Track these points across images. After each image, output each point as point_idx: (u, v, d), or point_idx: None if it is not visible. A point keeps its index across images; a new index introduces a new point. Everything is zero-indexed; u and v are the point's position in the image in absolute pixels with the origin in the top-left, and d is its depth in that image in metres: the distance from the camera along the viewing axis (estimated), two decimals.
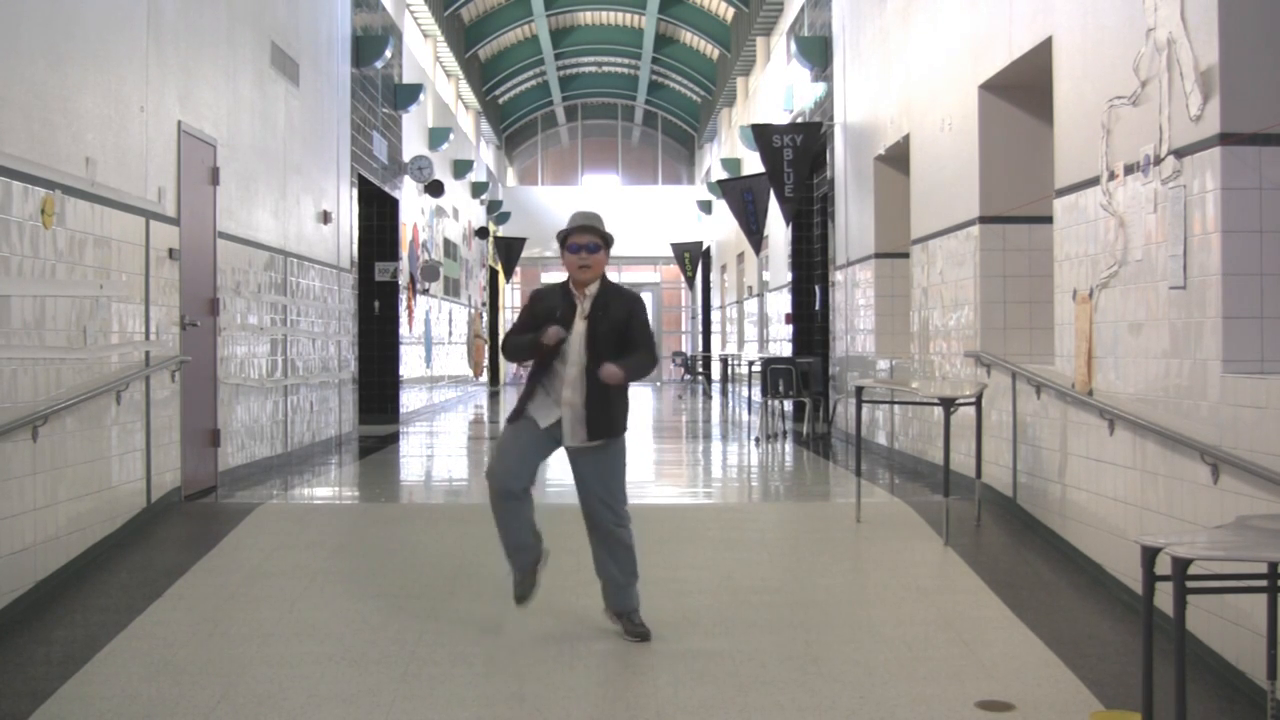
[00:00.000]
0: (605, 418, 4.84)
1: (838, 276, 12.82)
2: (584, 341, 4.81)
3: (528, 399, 4.94)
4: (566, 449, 4.93)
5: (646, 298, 30.44)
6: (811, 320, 14.63)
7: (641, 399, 22.86)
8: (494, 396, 23.35)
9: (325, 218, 11.65)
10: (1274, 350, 4.67)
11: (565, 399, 4.83)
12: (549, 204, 29.57)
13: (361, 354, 13.41)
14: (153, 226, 7.17)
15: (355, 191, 13.10)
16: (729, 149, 23.24)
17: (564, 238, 4.91)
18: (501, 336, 28.11)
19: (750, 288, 20.63)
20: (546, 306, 4.90)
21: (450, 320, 20.12)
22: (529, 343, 4.83)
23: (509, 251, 25.61)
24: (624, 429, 4.96)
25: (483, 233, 24.25)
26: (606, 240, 4.91)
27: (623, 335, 4.84)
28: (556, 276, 30.29)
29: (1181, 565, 3.11)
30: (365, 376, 13.89)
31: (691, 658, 4.79)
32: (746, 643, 4.98)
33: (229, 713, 4.21)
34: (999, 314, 7.82)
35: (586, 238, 4.85)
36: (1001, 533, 6.91)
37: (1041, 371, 6.72)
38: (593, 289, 4.89)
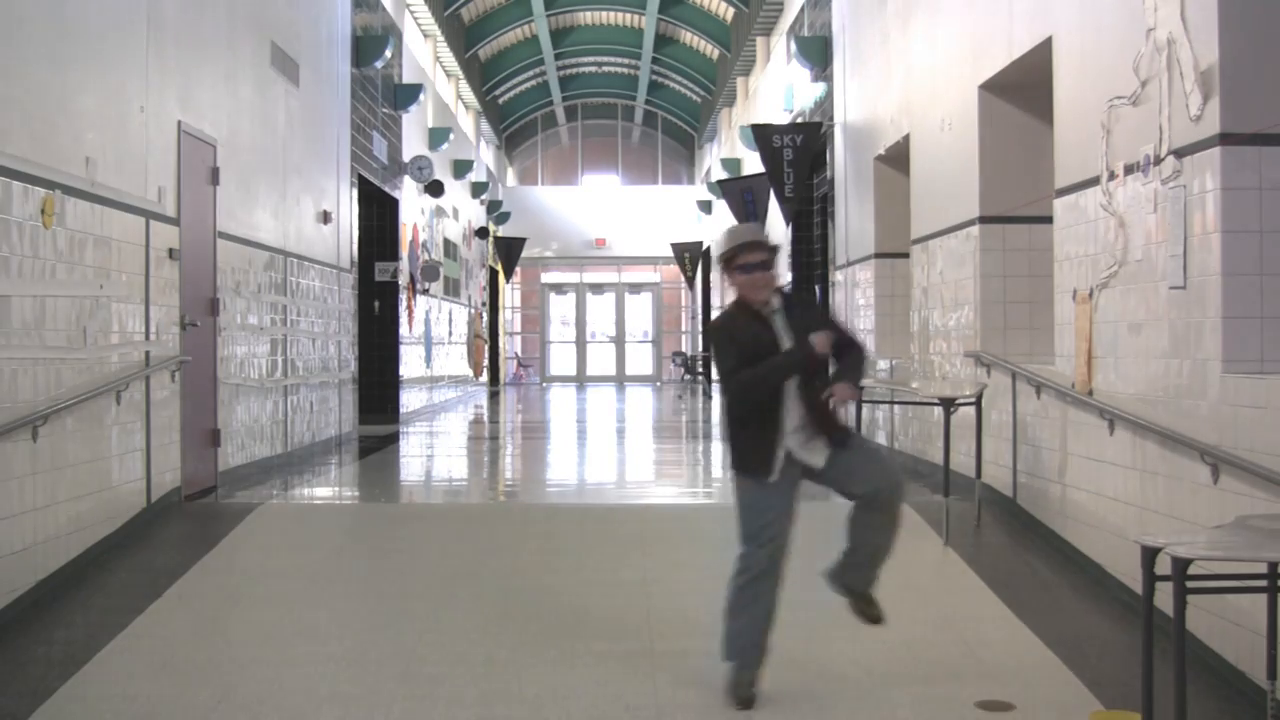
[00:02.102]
0: (831, 417, 4.37)
1: (838, 276, 12.82)
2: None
3: (767, 446, 4.34)
4: (815, 470, 4.40)
5: (646, 298, 30.53)
6: None
7: (641, 399, 22.86)
8: (494, 397, 23.35)
9: (325, 218, 11.65)
10: (1274, 350, 4.66)
11: (796, 423, 4.33)
12: (549, 204, 29.57)
13: (361, 354, 13.41)
14: (153, 226, 7.17)
15: (355, 191, 13.10)
16: (729, 149, 23.24)
17: (729, 259, 4.42)
18: (503, 344, 28.19)
19: None
20: (744, 335, 4.37)
21: (450, 320, 20.12)
22: (785, 364, 4.30)
23: (509, 251, 25.61)
24: (851, 433, 4.50)
25: (483, 233, 24.25)
26: (773, 253, 4.45)
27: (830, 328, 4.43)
28: (557, 276, 30.33)
29: (1181, 565, 3.11)
30: (365, 376, 13.89)
31: (691, 658, 4.79)
32: None
33: (229, 713, 4.21)
34: (999, 314, 7.82)
35: (757, 255, 4.37)
36: (1001, 533, 6.91)
37: (1041, 371, 6.72)
38: (774, 302, 4.43)
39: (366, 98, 13.62)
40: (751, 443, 4.36)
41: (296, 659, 4.80)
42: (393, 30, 14.96)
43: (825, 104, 13.66)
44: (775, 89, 17.03)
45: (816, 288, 14.41)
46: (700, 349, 28.13)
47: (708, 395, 22.62)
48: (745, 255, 4.40)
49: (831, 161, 13.25)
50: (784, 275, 15.77)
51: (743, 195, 15.42)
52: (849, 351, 4.44)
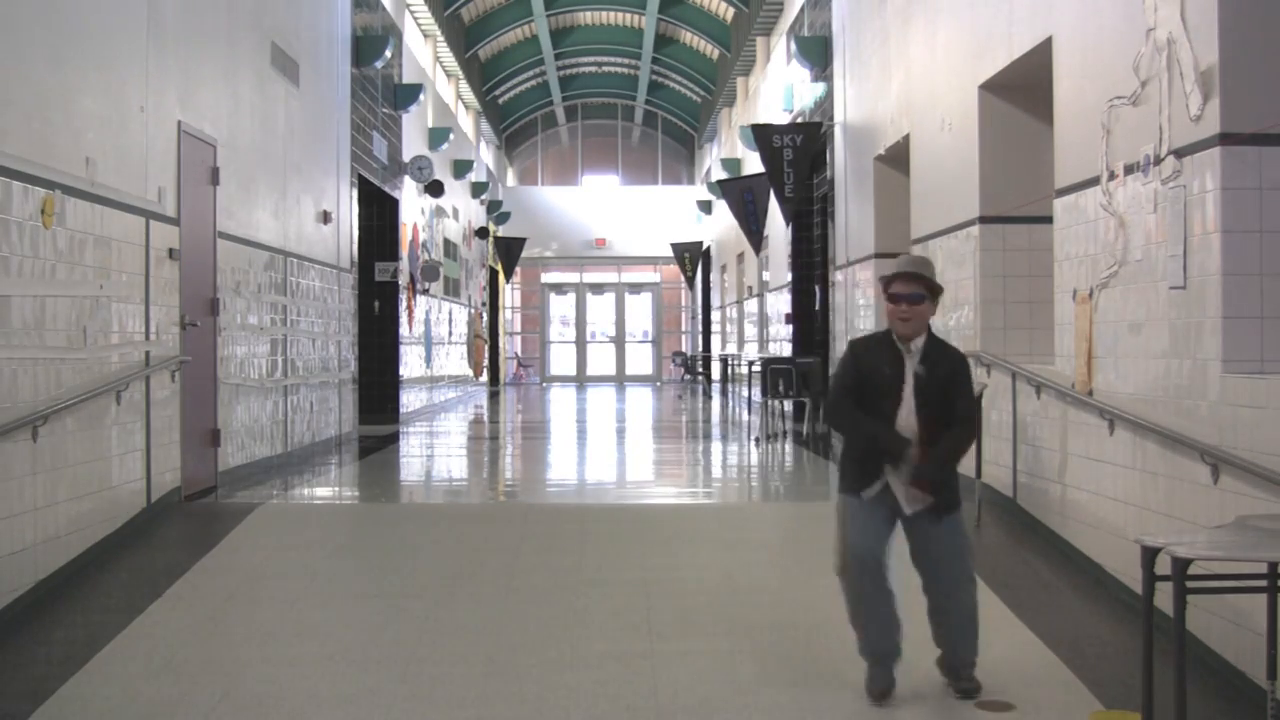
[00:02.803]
0: (948, 485, 4.34)
1: (838, 276, 12.82)
2: (913, 405, 4.28)
3: (871, 468, 4.34)
4: (903, 519, 4.37)
5: (646, 298, 30.52)
6: (811, 320, 14.62)
7: (642, 399, 22.87)
8: (494, 397, 23.36)
9: (325, 218, 11.65)
10: (1274, 350, 4.67)
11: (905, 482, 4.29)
12: (549, 204, 29.57)
13: (361, 354, 13.41)
14: (153, 226, 7.17)
15: (355, 191, 13.10)
16: (729, 149, 23.24)
17: (886, 283, 4.40)
18: (503, 344, 28.19)
19: (750, 288, 20.63)
20: (871, 362, 4.37)
21: (450, 320, 20.12)
22: (874, 436, 4.28)
23: (509, 251, 25.61)
24: (958, 500, 4.40)
25: (483, 233, 24.26)
26: (933, 290, 4.37)
27: (947, 397, 4.31)
28: (557, 276, 30.34)
29: (1181, 565, 3.11)
30: (365, 376, 13.89)
31: (691, 658, 4.79)
32: (746, 643, 4.98)
33: (229, 713, 4.21)
34: (999, 314, 7.82)
35: (910, 287, 4.32)
36: (1001, 533, 6.91)
37: (1041, 371, 6.72)
38: (918, 343, 4.33)
39: (366, 98, 13.62)
40: (852, 458, 4.38)
41: (296, 659, 4.80)
42: (393, 30, 14.96)
43: (825, 104, 13.67)
44: (775, 89, 17.04)
45: (816, 288, 14.42)
46: (701, 349, 28.15)
47: (707, 395, 22.62)
48: (899, 284, 4.35)
49: (831, 161, 13.25)
50: (784, 275, 15.78)
51: (743, 195, 15.43)
52: (954, 431, 4.29)
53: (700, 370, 26.80)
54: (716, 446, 13.21)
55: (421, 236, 17.23)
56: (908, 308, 4.32)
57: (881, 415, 4.30)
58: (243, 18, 9.24)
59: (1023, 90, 7.66)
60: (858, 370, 4.37)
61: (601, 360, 30.32)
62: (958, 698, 4.33)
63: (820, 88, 14.01)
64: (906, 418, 4.29)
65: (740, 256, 21.87)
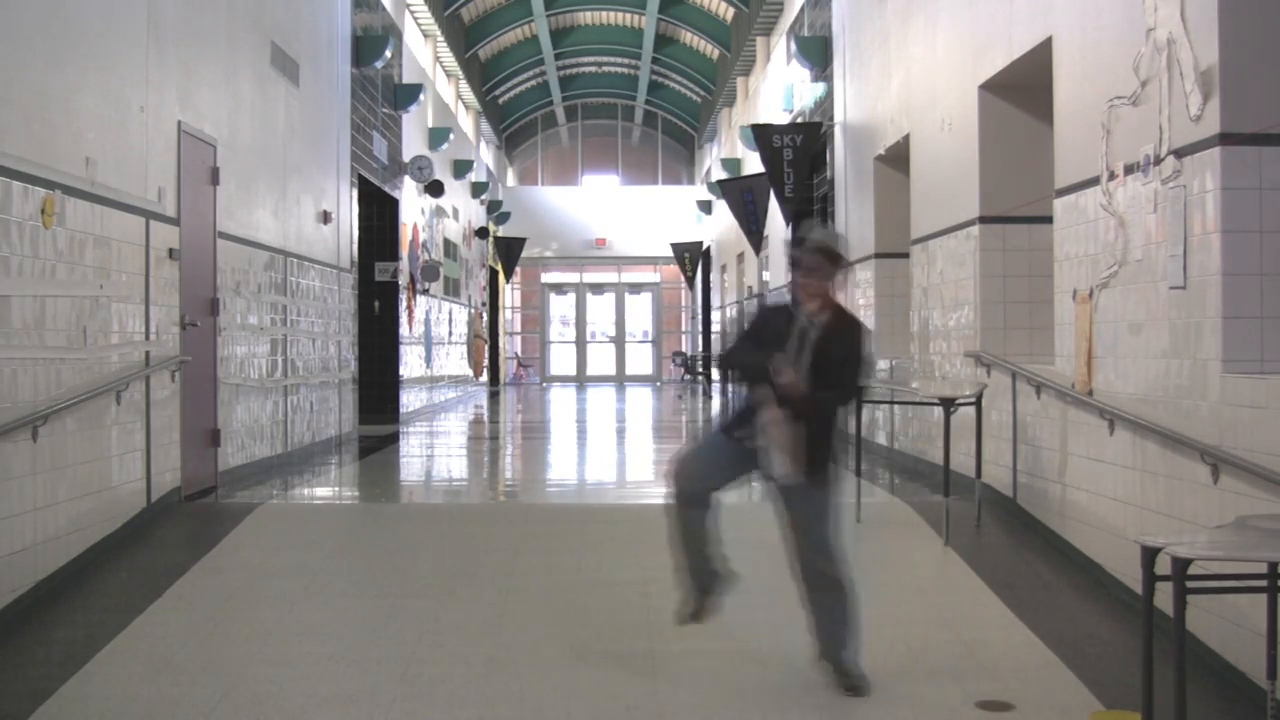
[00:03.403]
0: (819, 453, 4.40)
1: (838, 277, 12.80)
2: (806, 371, 4.35)
3: (746, 414, 4.48)
4: (774, 483, 4.50)
5: (646, 298, 30.51)
6: None
7: (642, 400, 22.86)
8: (494, 397, 23.35)
9: (325, 218, 11.65)
10: (1274, 350, 4.67)
11: (775, 415, 4.38)
12: (549, 204, 29.56)
13: (361, 354, 13.41)
14: (153, 226, 7.17)
15: (355, 191, 13.10)
16: (729, 149, 23.24)
17: (794, 253, 4.56)
18: (501, 344, 28.19)
19: (750, 288, 20.62)
20: (772, 324, 4.51)
21: (450, 320, 20.12)
22: (757, 367, 4.39)
23: (509, 251, 25.60)
24: (831, 470, 4.49)
25: (483, 233, 24.25)
26: (836, 263, 4.47)
27: (838, 366, 4.40)
28: (557, 276, 30.34)
29: (1181, 565, 3.11)
30: (365, 376, 13.89)
31: (691, 658, 4.79)
32: (746, 643, 4.97)
33: (229, 713, 4.21)
34: (999, 314, 7.82)
35: (814, 258, 4.44)
36: (1001, 533, 6.91)
37: (1041, 371, 6.72)
38: (819, 313, 4.44)
39: (366, 98, 13.62)
40: (739, 414, 4.53)
41: (296, 659, 4.80)
42: (393, 30, 14.96)
43: (825, 104, 13.66)
44: (775, 89, 17.03)
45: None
46: (701, 349, 28.13)
47: (708, 395, 22.62)
48: (809, 255, 4.47)
49: (831, 161, 13.25)
50: (784, 275, 15.77)
51: (743, 195, 15.42)
52: (833, 386, 4.40)
53: (700, 370, 26.79)
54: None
55: (421, 236, 17.23)
56: (806, 276, 4.47)
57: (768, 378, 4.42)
58: (243, 18, 9.24)
59: (1023, 90, 7.66)
60: (759, 328, 4.56)
61: (601, 360, 30.31)
62: (846, 695, 4.34)
63: (820, 88, 14.01)
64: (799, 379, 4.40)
65: (740, 256, 21.87)
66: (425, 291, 17.41)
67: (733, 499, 4.87)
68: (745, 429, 4.46)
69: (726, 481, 4.56)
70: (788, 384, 4.28)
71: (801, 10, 15.32)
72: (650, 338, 30.74)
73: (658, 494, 9.34)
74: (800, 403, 4.31)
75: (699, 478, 4.52)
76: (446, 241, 19.74)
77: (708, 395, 22.60)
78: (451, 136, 18.68)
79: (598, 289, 30.31)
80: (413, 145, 16.43)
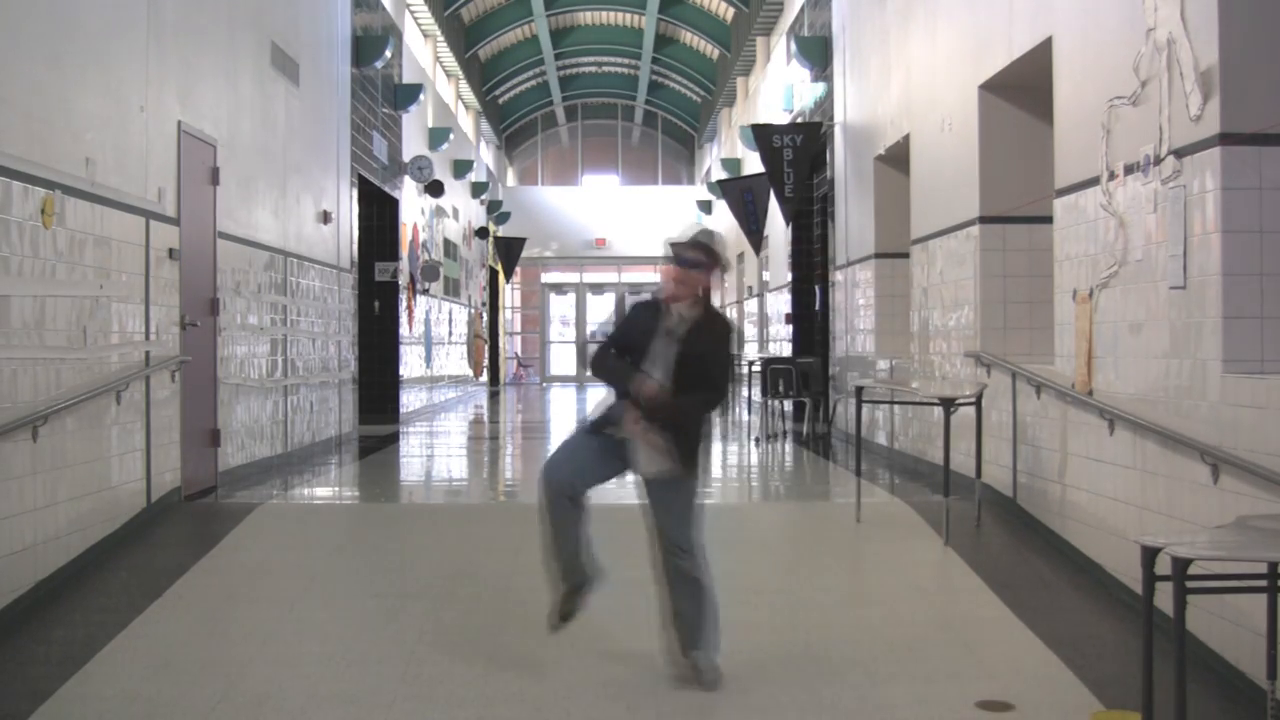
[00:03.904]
0: (682, 450, 4.47)
1: (838, 276, 12.82)
2: (671, 367, 4.42)
3: (612, 413, 4.54)
4: (640, 477, 4.59)
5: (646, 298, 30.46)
6: (811, 320, 14.62)
7: None
8: (494, 396, 23.35)
9: (325, 218, 11.65)
10: (1274, 350, 4.67)
11: (634, 418, 4.44)
12: (549, 204, 29.57)
13: (361, 354, 13.41)
14: (153, 226, 7.17)
15: (355, 191, 13.10)
16: (729, 149, 23.24)
17: (674, 250, 4.58)
18: (503, 344, 28.19)
19: (750, 288, 20.63)
20: (640, 321, 4.55)
21: (450, 320, 20.12)
22: (621, 376, 4.47)
23: (509, 251, 25.60)
24: (697, 465, 4.56)
25: (483, 233, 24.25)
26: (714, 260, 4.52)
27: (704, 364, 4.46)
28: (557, 276, 30.34)
29: (1181, 565, 3.11)
30: (365, 376, 13.89)
31: None
32: (747, 643, 4.97)
33: (229, 713, 4.21)
34: (999, 314, 7.82)
35: (693, 253, 4.50)
36: (1001, 533, 6.91)
37: (1041, 371, 6.72)
38: (689, 311, 4.49)
39: (366, 98, 13.62)
40: (609, 410, 4.56)
41: (296, 659, 4.80)
42: (393, 30, 14.96)
43: (825, 104, 13.66)
44: (775, 89, 17.04)
45: (816, 288, 14.41)
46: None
47: None
48: (687, 250, 4.54)
49: (831, 161, 13.25)
50: (784, 275, 15.78)
51: (743, 195, 15.42)
52: (699, 392, 4.45)
53: None
54: (716, 446, 13.20)
55: (421, 236, 17.23)
56: (685, 272, 4.48)
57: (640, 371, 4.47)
58: (243, 17, 9.24)
59: (1023, 90, 7.66)
60: (627, 326, 4.59)
61: None
62: (702, 689, 4.39)
63: (820, 88, 14.01)
64: (661, 376, 4.44)
65: (740, 256, 21.87)
66: (425, 291, 17.41)
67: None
68: (612, 426, 4.51)
69: (598, 479, 4.58)
70: (650, 397, 4.36)
71: (801, 10, 15.32)
72: None
73: None
74: (662, 408, 4.39)
75: (576, 475, 4.51)
76: (446, 241, 19.74)
77: None
78: (451, 136, 18.68)
79: (598, 289, 30.31)
80: (413, 145, 16.43)
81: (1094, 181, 5.89)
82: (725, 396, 4.57)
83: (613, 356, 4.55)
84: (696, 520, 4.58)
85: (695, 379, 4.44)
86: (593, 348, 4.69)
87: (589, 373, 4.67)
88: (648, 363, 4.46)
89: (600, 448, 4.54)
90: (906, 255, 10.05)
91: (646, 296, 4.71)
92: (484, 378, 24.57)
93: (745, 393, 17.21)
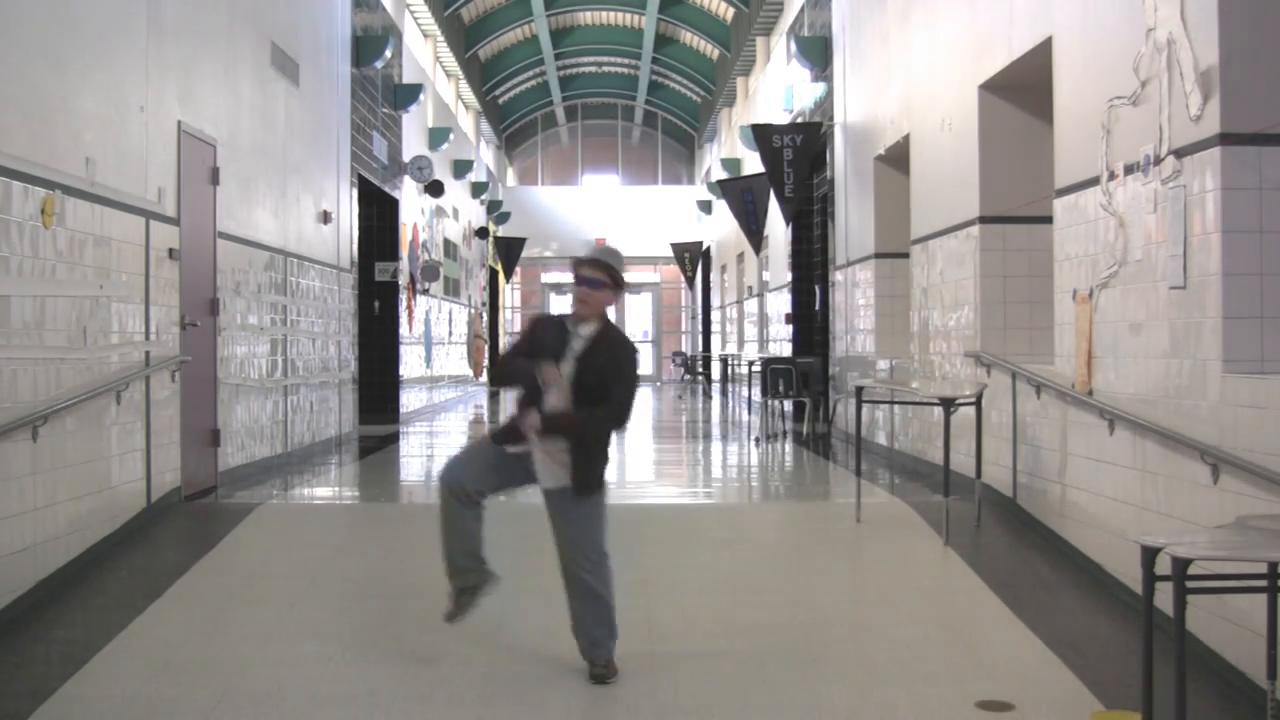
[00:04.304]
0: (584, 466, 4.51)
1: (838, 276, 12.82)
2: (570, 383, 4.48)
3: (515, 425, 4.60)
4: (542, 491, 4.63)
5: (646, 298, 30.50)
6: (811, 320, 14.63)
7: (642, 400, 22.86)
8: (494, 396, 23.35)
9: (325, 218, 11.65)
10: (1274, 350, 4.67)
11: (534, 419, 4.50)
12: (549, 204, 29.57)
13: (361, 354, 13.41)
14: (153, 226, 7.17)
15: (355, 191, 13.10)
16: (729, 149, 23.24)
17: (575, 265, 4.67)
18: (502, 345, 28.15)
19: (750, 288, 20.63)
20: (544, 336, 4.62)
21: (450, 320, 20.12)
22: (522, 374, 4.57)
23: (509, 251, 25.60)
24: (602, 481, 4.60)
25: (483, 233, 24.25)
26: (615, 280, 4.60)
27: (604, 382, 4.51)
28: (557, 276, 30.33)
29: (1181, 565, 3.11)
30: (365, 376, 13.89)
31: (691, 658, 4.79)
32: (746, 643, 4.98)
33: (229, 713, 4.21)
34: (999, 314, 7.82)
35: (594, 273, 4.55)
36: (1001, 533, 6.91)
37: (1041, 371, 6.72)
38: (590, 328, 4.56)
39: (366, 98, 13.62)
40: (511, 421, 4.61)
41: (296, 659, 4.80)
42: (393, 30, 14.96)
43: (825, 104, 13.66)
44: (775, 89, 17.03)
45: (816, 288, 14.42)
46: (701, 349, 28.14)
47: (707, 395, 22.62)
48: (586, 268, 4.60)
49: (831, 161, 13.25)
50: (784, 275, 15.78)
51: (743, 195, 15.43)
52: (601, 408, 4.49)
53: (700, 370, 26.80)
54: (716, 446, 13.21)
55: (421, 236, 17.23)
56: (589, 291, 4.56)
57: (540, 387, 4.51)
58: (242, 17, 9.24)
59: (1023, 90, 7.67)
60: (531, 341, 4.64)
61: None
62: (591, 683, 4.47)
63: (820, 88, 14.01)
64: (560, 395, 4.49)
65: (740, 256, 21.87)
66: (425, 291, 17.41)
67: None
68: (513, 439, 4.56)
69: (496, 487, 4.64)
70: (551, 393, 4.43)
71: (801, 10, 15.32)
72: (650, 338, 30.75)
73: (658, 494, 9.36)
74: (561, 416, 4.45)
75: (470, 480, 4.56)
76: (446, 241, 19.74)
77: (707, 395, 22.61)
78: (451, 136, 18.68)
79: None
80: (413, 145, 16.43)
81: (1094, 181, 5.89)
82: (625, 414, 4.61)
83: (520, 360, 4.61)
84: (600, 531, 4.62)
85: (595, 397, 4.48)
86: (501, 355, 4.79)
87: (498, 379, 4.77)
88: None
89: (502, 456, 4.60)
90: (906, 255, 10.05)
91: (553, 314, 4.79)
92: (484, 378, 24.57)
93: (745, 393, 17.20)
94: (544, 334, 4.62)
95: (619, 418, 4.57)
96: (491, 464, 4.61)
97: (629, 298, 30.34)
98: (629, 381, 4.59)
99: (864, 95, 11.66)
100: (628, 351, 4.61)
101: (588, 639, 4.57)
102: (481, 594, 4.65)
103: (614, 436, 4.70)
